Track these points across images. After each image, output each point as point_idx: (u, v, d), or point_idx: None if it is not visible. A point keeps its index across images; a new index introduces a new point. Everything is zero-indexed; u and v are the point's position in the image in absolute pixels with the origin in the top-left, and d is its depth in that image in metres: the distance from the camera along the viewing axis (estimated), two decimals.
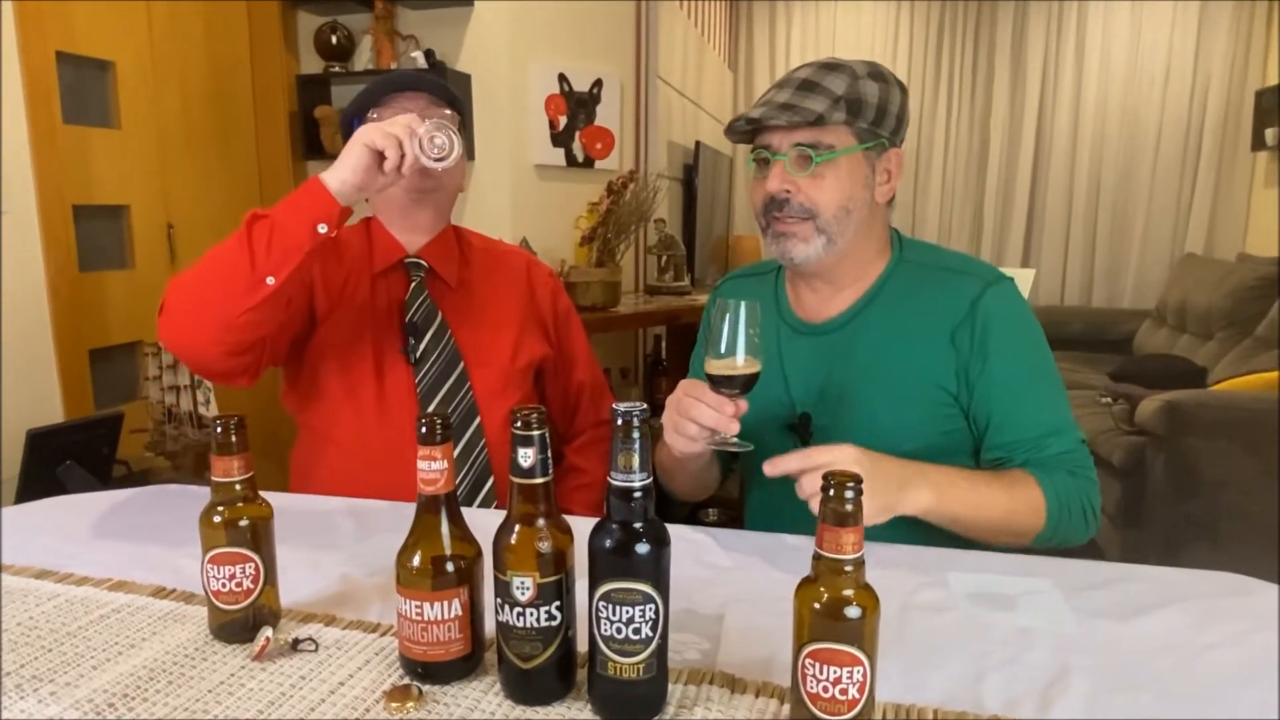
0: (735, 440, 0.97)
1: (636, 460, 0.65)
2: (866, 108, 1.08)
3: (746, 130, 1.12)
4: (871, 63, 1.11)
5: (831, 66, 1.09)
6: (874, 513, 0.91)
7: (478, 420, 1.30)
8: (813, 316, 1.19)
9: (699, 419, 0.97)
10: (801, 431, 1.16)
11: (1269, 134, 4.15)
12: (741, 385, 0.95)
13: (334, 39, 3.01)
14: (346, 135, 1.29)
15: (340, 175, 1.08)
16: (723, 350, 0.94)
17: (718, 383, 0.95)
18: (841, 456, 0.91)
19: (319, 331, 1.30)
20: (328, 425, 1.29)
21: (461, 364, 1.31)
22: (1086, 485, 1.08)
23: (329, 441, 1.30)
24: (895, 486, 0.95)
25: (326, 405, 1.30)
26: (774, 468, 0.93)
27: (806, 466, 0.91)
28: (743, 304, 0.94)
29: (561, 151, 3.14)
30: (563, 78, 3.09)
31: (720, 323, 0.94)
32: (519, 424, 0.66)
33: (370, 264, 1.34)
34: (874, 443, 0.97)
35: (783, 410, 1.17)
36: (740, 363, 0.94)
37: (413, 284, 1.33)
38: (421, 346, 1.29)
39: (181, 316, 1.11)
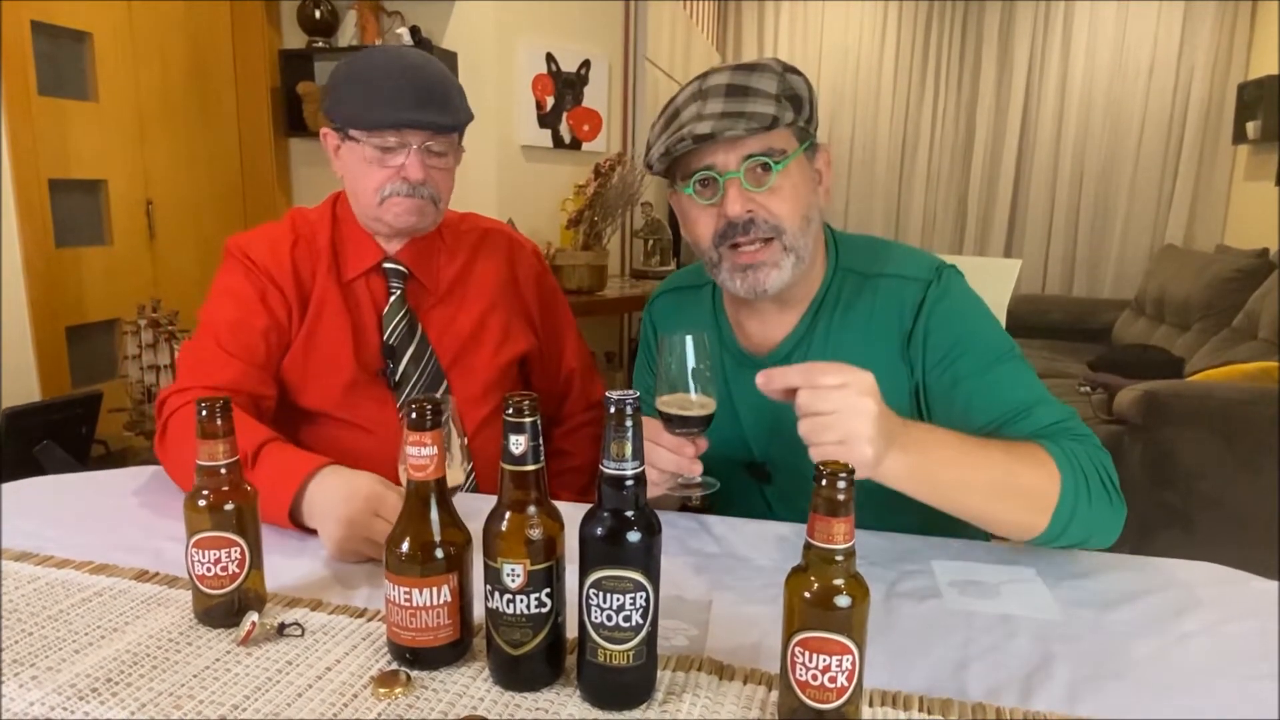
0: (699, 480, 0.92)
1: (629, 448, 0.65)
2: (803, 103, 0.99)
3: (677, 156, 0.99)
4: (775, 59, 1.02)
5: (749, 67, 0.99)
6: (866, 464, 0.78)
7: (464, 440, 1.25)
8: (757, 346, 1.11)
9: (658, 464, 0.90)
10: (758, 474, 1.12)
11: (1250, 127, 4.19)
12: (699, 425, 0.90)
13: (318, 14, 2.96)
14: (330, 114, 1.20)
15: (309, 525, 0.98)
16: (675, 388, 0.89)
17: (673, 422, 0.89)
18: (857, 381, 0.78)
19: (291, 350, 1.21)
20: (306, 444, 1.23)
21: (445, 383, 1.24)
22: (1098, 452, 0.93)
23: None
24: (885, 443, 0.81)
25: (303, 424, 1.24)
26: (769, 380, 0.82)
27: (809, 384, 0.79)
28: (689, 338, 0.89)
29: (548, 132, 3.11)
30: (550, 58, 3.06)
31: (669, 359, 0.89)
32: (511, 411, 0.66)
33: (340, 265, 1.23)
34: None
35: (738, 449, 1.10)
36: (695, 399, 0.88)
37: (392, 297, 1.24)
38: (400, 369, 1.22)
39: (171, 471, 1.13)
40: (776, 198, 0.98)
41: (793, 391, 0.80)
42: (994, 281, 1.21)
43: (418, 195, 1.17)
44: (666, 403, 0.90)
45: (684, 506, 1.13)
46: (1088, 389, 2.94)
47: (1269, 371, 2.47)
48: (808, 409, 0.79)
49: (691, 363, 0.89)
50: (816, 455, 0.79)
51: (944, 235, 5.33)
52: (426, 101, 1.15)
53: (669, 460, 0.90)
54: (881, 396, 0.81)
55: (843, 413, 0.78)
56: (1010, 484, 0.88)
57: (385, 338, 1.23)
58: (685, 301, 1.21)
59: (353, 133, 1.17)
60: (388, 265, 1.25)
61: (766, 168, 0.97)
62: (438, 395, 1.24)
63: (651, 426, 0.89)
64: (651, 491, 0.90)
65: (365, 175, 1.18)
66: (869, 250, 1.10)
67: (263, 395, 1.18)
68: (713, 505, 1.14)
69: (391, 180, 1.17)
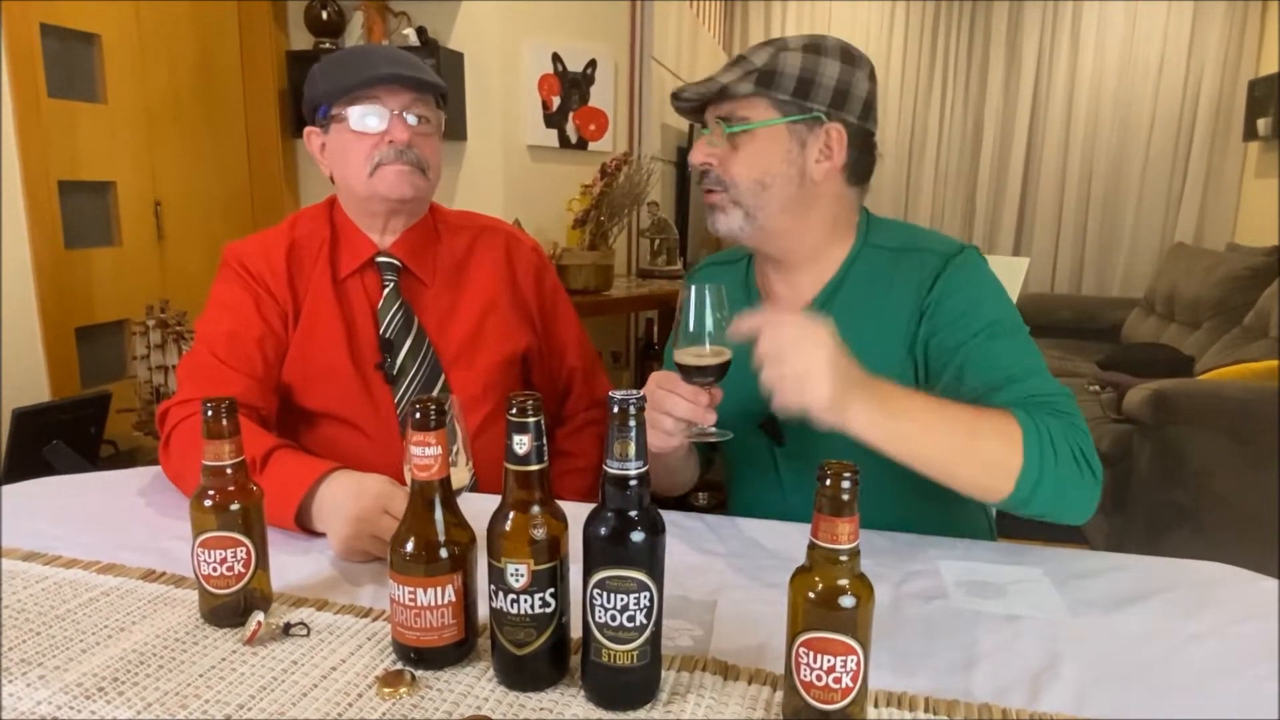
0: (714, 430, 0.94)
1: (633, 448, 0.64)
2: (783, 79, 1.04)
3: (688, 110, 1.14)
4: (823, 37, 1.07)
5: (772, 41, 1.07)
6: (822, 401, 0.82)
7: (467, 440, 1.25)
8: (783, 310, 1.15)
9: (674, 412, 0.93)
10: (772, 432, 1.13)
11: (1261, 124, 4.16)
12: (714, 374, 0.91)
13: (324, 15, 2.96)
14: (310, 114, 1.22)
15: (317, 528, 0.99)
16: (691, 338, 0.91)
17: (689, 373, 0.92)
18: (813, 323, 0.83)
19: (289, 355, 1.22)
20: (306, 447, 1.22)
21: (443, 377, 1.24)
22: (1074, 429, 0.94)
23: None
24: (844, 386, 0.83)
25: (303, 427, 1.24)
26: (738, 327, 0.87)
27: (767, 324, 0.84)
28: (706, 287, 0.91)
29: (555, 132, 3.11)
30: (556, 57, 3.06)
31: (686, 309, 0.91)
32: (514, 410, 0.66)
33: (335, 264, 1.24)
34: (846, 438, 0.87)
35: (756, 405, 1.09)
36: (709, 350, 0.90)
37: (386, 289, 1.24)
38: (398, 363, 1.22)
39: (176, 481, 1.13)
40: (733, 156, 1.07)
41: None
42: (1002, 279, 1.20)
43: (405, 160, 1.17)
44: (684, 353, 0.92)
45: (689, 505, 1.13)
46: (1097, 388, 2.92)
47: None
48: (765, 348, 0.84)
49: (708, 314, 0.91)
50: (778, 400, 0.83)
51: (952, 233, 5.23)
52: (398, 62, 1.18)
53: (684, 408, 0.93)
54: (880, 363, 0.88)
55: (799, 348, 0.82)
56: (973, 446, 0.90)
57: (381, 331, 1.23)
58: (720, 275, 1.26)
59: (334, 111, 1.18)
60: (381, 259, 1.25)
61: (723, 131, 1.08)
62: (438, 394, 1.23)
63: (669, 378, 0.95)
64: (667, 441, 0.95)
65: (353, 150, 1.18)
66: (900, 231, 1.16)
67: (262, 407, 1.18)
68: (722, 502, 1.14)
69: (378, 147, 1.17)
